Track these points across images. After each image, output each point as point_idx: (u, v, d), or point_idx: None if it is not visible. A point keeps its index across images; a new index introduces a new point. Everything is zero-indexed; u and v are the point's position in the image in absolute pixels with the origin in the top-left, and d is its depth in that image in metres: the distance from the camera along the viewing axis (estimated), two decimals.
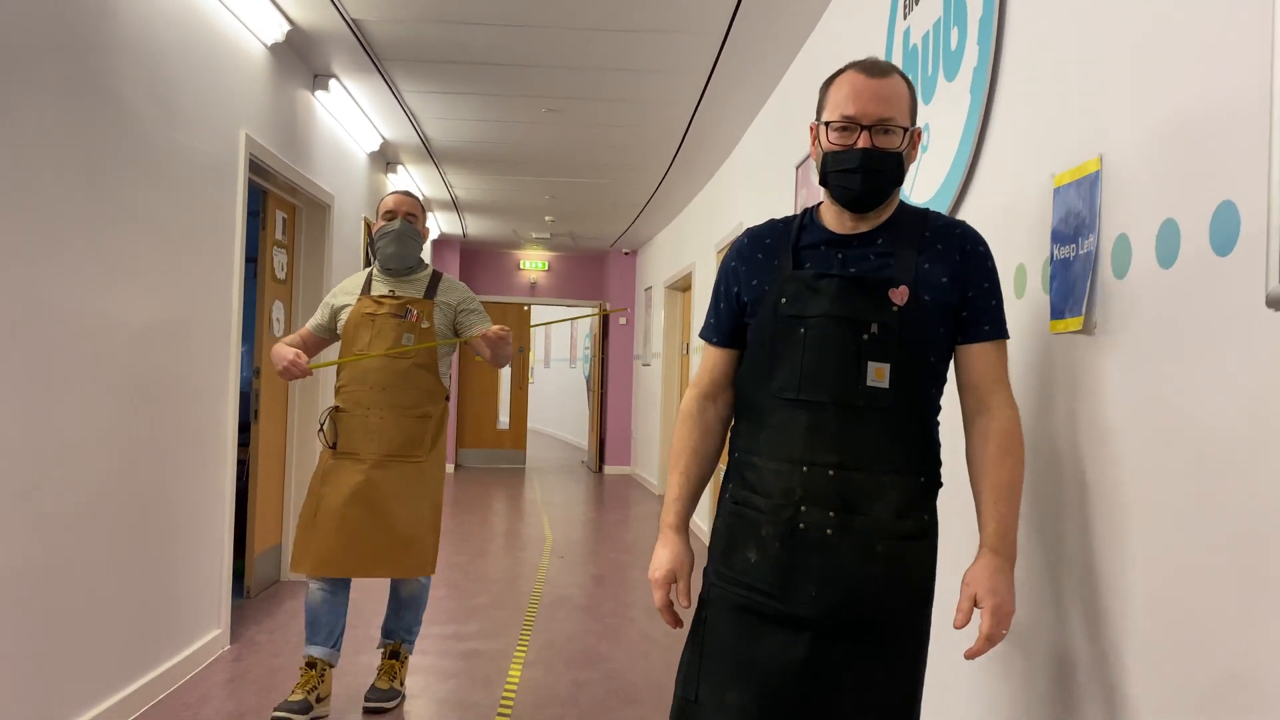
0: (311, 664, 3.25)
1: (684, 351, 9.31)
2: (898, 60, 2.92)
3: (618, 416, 11.89)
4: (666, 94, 5.36)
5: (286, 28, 4.39)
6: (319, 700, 3.22)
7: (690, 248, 8.36)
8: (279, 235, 5.16)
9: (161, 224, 3.43)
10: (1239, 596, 1.31)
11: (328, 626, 3.26)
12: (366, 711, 3.34)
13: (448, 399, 3.38)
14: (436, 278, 3.40)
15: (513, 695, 3.61)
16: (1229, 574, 1.33)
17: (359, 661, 3.91)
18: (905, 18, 2.85)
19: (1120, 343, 1.63)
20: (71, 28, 2.84)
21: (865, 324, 1.61)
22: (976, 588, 1.56)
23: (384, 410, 3.22)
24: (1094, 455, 1.70)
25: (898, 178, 1.66)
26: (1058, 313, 1.82)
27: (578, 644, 4.33)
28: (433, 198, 8.74)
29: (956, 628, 1.55)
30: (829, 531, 1.60)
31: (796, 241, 1.72)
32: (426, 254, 9.96)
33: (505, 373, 13.10)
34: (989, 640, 1.54)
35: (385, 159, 7.11)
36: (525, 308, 12.62)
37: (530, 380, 13.10)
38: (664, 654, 4.19)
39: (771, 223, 1.80)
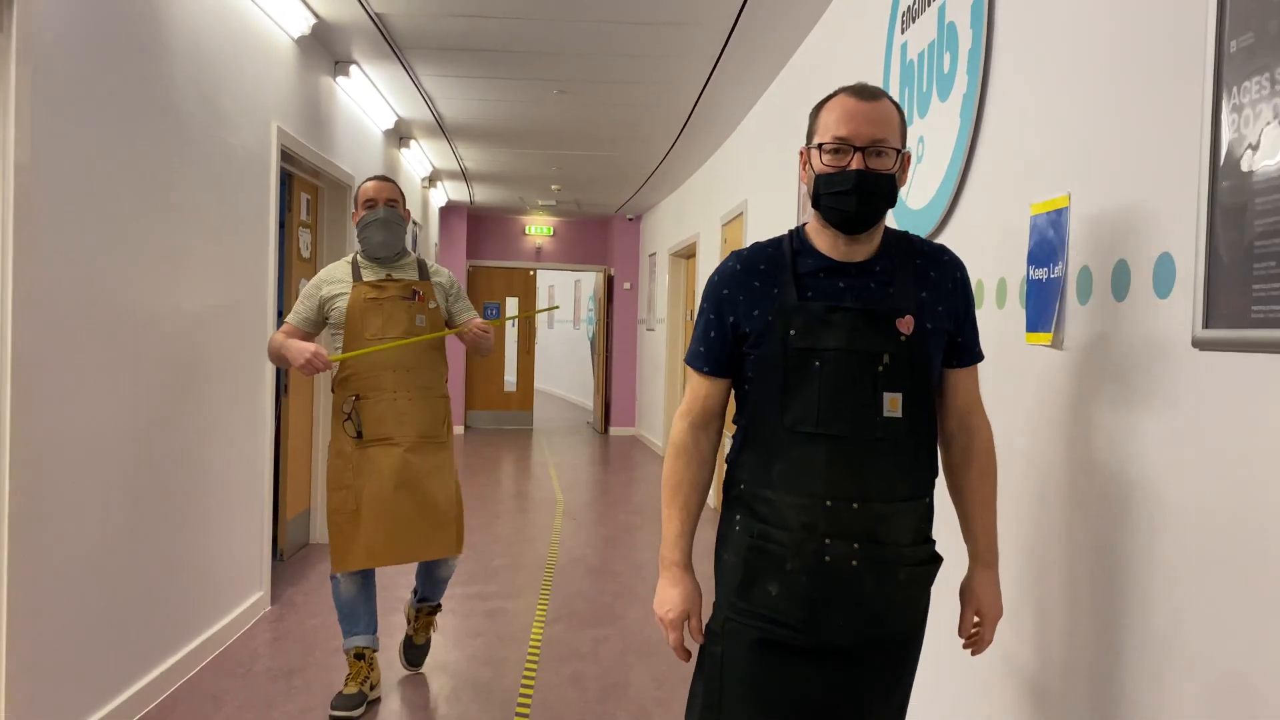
0: (359, 655, 3.29)
1: (688, 317, 9.56)
2: (895, 72, 3.15)
3: (623, 379, 12.17)
4: (674, 77, 5.56)
5: (312, 21, 4.59)
6: (371, 687, 3.32)
7: (694, 218, 8.57)
8: (303, 216, 5.39)
9: (207, 216, 3.68)
10: (1125, 580, 1.59)
11: (366, 615, 3.33)
12: (409, 668, 3.59)
13: (445, 377, 3.43)
14: (422, 262, 3.41)
15: (538, 650, 3.92)
16: (1129, 559, 1.61)
17: (391, 621, 4.22)
18: (903, 32, 3.08)
19: (1080, 359, 1.89)
20: (130, 43, 3.07)
21: (879, 355, 1.63)
22: (981, 604, 1.75)
23: (412, 392, 3.23)
24: (1049, 451, 1.97)
25: (890, 199, 1.68)
26: (1032, 326, 2.08)
27: (594, 603, 4.64)
28: (442, 168, 8.93)
29: (961, 636, 1.78)
30: (855, 563, 1.63)
31: (794, 268, 1.71)
32: (434, 222, 10.17)
33: (511, 336, 13.35)
34: (985, 645, 1.78)
35: (399, 135, 7.30)
36: (530, 272, 12.84)
37: (534, 342, 13.34)
38: None
39: (759, 248, 1.77)
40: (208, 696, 3.35)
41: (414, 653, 3.63)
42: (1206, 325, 1.44)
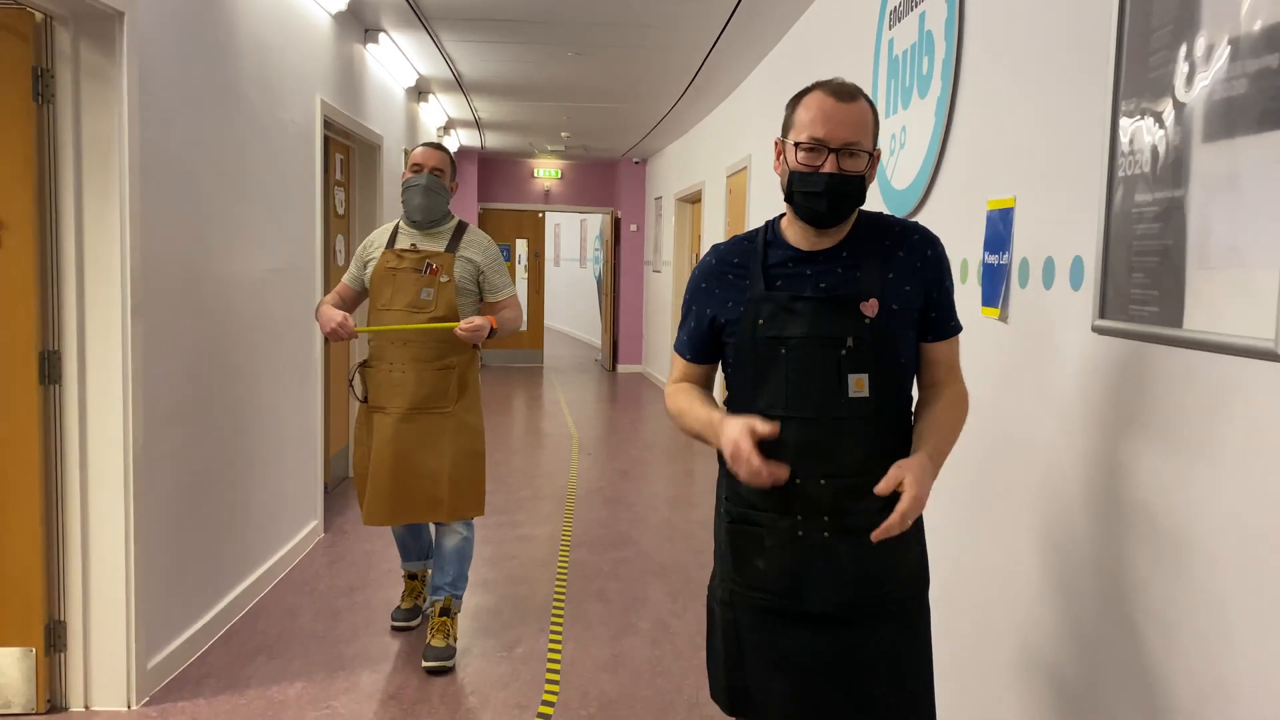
0: (412, 575, 3.76)
1: (693, 260, 9.96)
2: (884, 65, 3.54)
3: (630, 319, 12.62)
4: (682, 42, 5.90)
5: None
6: (425, 600, 3.75)
7: (701, 165, 8.92)
8: (337, 175, 5.80)
9: (268, 190, 4.10)
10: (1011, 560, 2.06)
11: (416, 547, 3.69)
12: (428, 672, 3.32)
13: (477, 347, 3.39)
14: (461, 229, 3.41)
15: (565, 571, 4.45)
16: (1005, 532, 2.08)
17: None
18: (890, 29, 3.46)
19: (1018, 333, 2.34)
20: (206, 43, 3.47)
21: (842, 339, 1.71)
22: (909, 472, 1.62)
23: (405, 364, 3.29)
24: (994, 411, 2.44)
25: (860, 198, 1.74)
26: (986, 301, 2.53)
27: (612, 529, 5.17)
28: (456, 118, 9.26)
29: (878, 493, 1.64)
30: (826, 535, 1.73)
31: (764, 259, 1.79)
32: None
33: (521, 277, 13.76)
34: (901, 518, 1.61)
35: (418, 90, 7.64)
36: (540, 214, 13.20)
37: (544, 283, 13.76)
38: (684, 538, 5.04)
39: (736, 240, 1.87)
40: (284, 610, 3.88)
41: (431, 652, 3.36)
42: (1101, 316, 1.89)
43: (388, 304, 3.30)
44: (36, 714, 2.93)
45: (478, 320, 3.24)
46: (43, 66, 2.83)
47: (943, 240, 1.86)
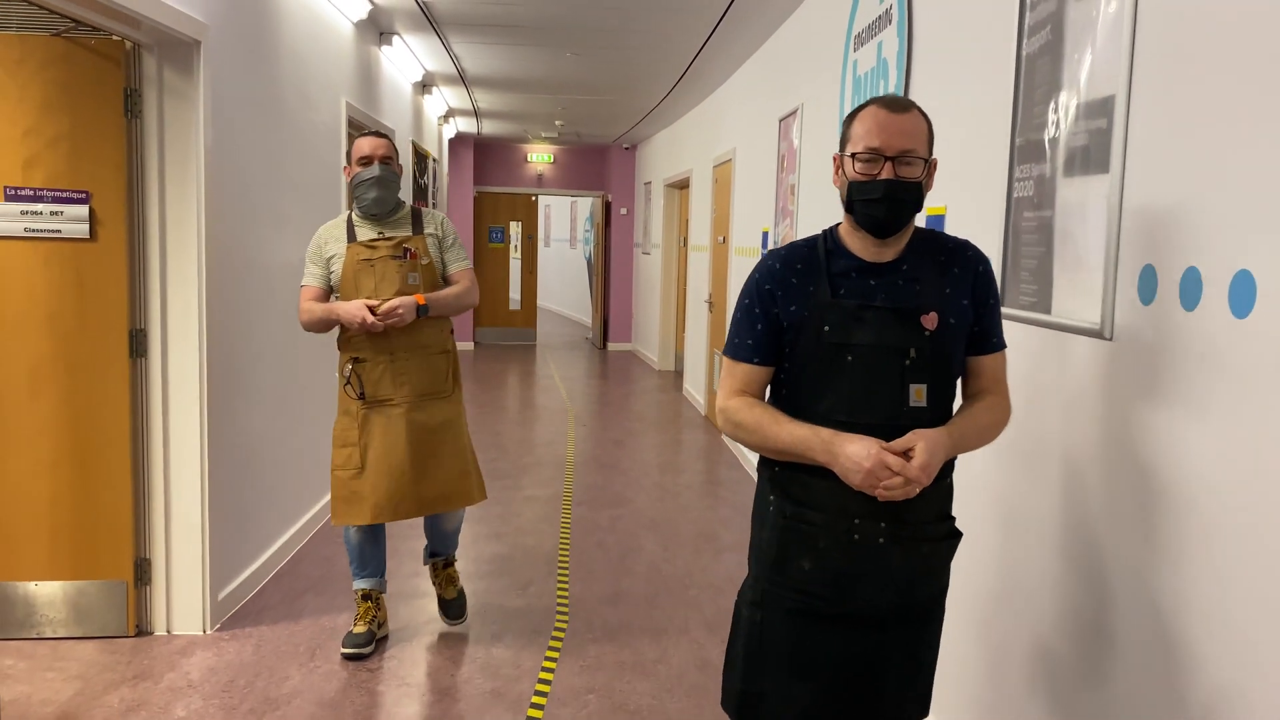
0: (366, 596, 3.44)
1: (680, 244, 10.49)
2: (849, 83, 4.07)
3: (620, 298, 13.14)
4: (673, 45, 6.40)
5: (369, 7, 5.42)
6: (379, 626, 3.48)
7: (688, 154, 9.43)
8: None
9: (303, 185, 4.61)
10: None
11: (374, 560, 3.44)
12: (452, 624, 3.61)
13: (452, 331, 3.41)
14: (417, 213, 3.36)
15: (569, 525, 5.01)
16: None
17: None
18: (855, 51, 3.99)
19: None
20: (257, 59, 3.97)
21: (905, 350, 1.75)
22: (923, 440, 1.68)
23: (409, 352, 3.23)
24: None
25: (918, 205, 1.78)
26: None
27: (609, 491, 5.73)
28: (456, 108, 9.72)
29: (891, 448, 1.69)
30: (881, 540, 1.77)
31: (828, 267, 1.82)
32: (444, 153, 10.98)
33: (514, 259, 14.25)
34: (904, 481, 1.67)
35: (423, 84, 8.11)
36: (533, 198, 13.68)
37: (536, 263, 14.25)
38: (674, 498, 5.60)
39: (796, 247, 1.89)
40: (322, 558, 4.42)
41: (450, 607, 3.61)
42: (1002, 304, 2.44)
43: (372, 294, 3.19)
44: (127, 637, 3.46)
45: (395, 301, 3.13)
46: (132, 87, 3.33)
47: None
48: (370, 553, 3.43)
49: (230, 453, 3.72)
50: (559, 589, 4.10)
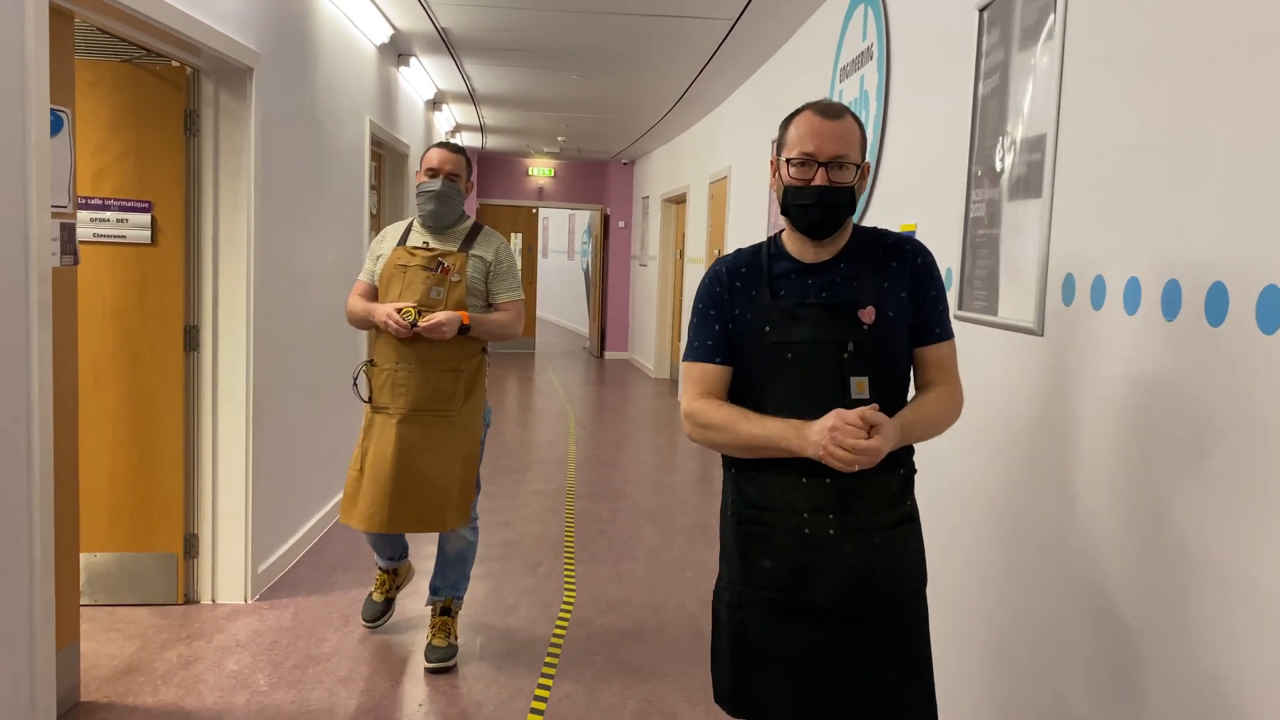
0: (385, 570, 3.67)
1: (677, 256, 10.89)
2: None
3: (617, 308, 13.54)
4: (673, 70, 6.81)
5: (390, 31, 5.82)
6: (398, 588, 3.73)
7: (685, 171, 9.84)
8: (372, 180, 6.68)
9: (332, 196, 5.00)
10: None
11: (390, 549, 3.59)
12: (429, 672, 3.33)
13: (485, 350, 3.32)
14: (476, 230, 3.36)
15: (573, 516, 5.38)
16: None
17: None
18: (841, 82, 4.39)
19: None
20: (298, 84, 4.36)
21: (843, 344, 1.80)
22: (877, 420, 1.69)
23: (411, 365, 3.19)
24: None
25: (850, 207, 1.83)
26: None
27: (608, 486, 6.11)
28: (463, 123, 10.12)
29: (847, 420, 1.69)
30: (831, 532, 1.80)
31: (769, 271, 1.88)
32: None
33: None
34: (844, 458, 1.67)
35: (434, 101, 8.51)
36: (533, 210, 14.08)
37: (536, 274, 14.63)
38: (670, 493, 5.98)
39: (741, 254, 1.96)
40: (347, 539, 4.78)
41: (433, 653, 3.38)
42: (959, 308, 2.83)
43: (397, 301, 3.22)
44: (176, 604, 3.82)
45: (440, 316, 3.12)
46: (191, 108, 3.71)
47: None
48: (385, 547, 3.55)
49: (270, 439, 4.09)
50: (565, 569, 4.47)
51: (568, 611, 3.95)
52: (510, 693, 3.22)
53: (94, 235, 3.67)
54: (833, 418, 1.70)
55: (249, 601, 3.89)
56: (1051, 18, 2.32)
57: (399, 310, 3.14)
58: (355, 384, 3.36)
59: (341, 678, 3.28)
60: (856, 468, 1.69)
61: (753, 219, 6.53)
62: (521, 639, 3.66)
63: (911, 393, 1.94)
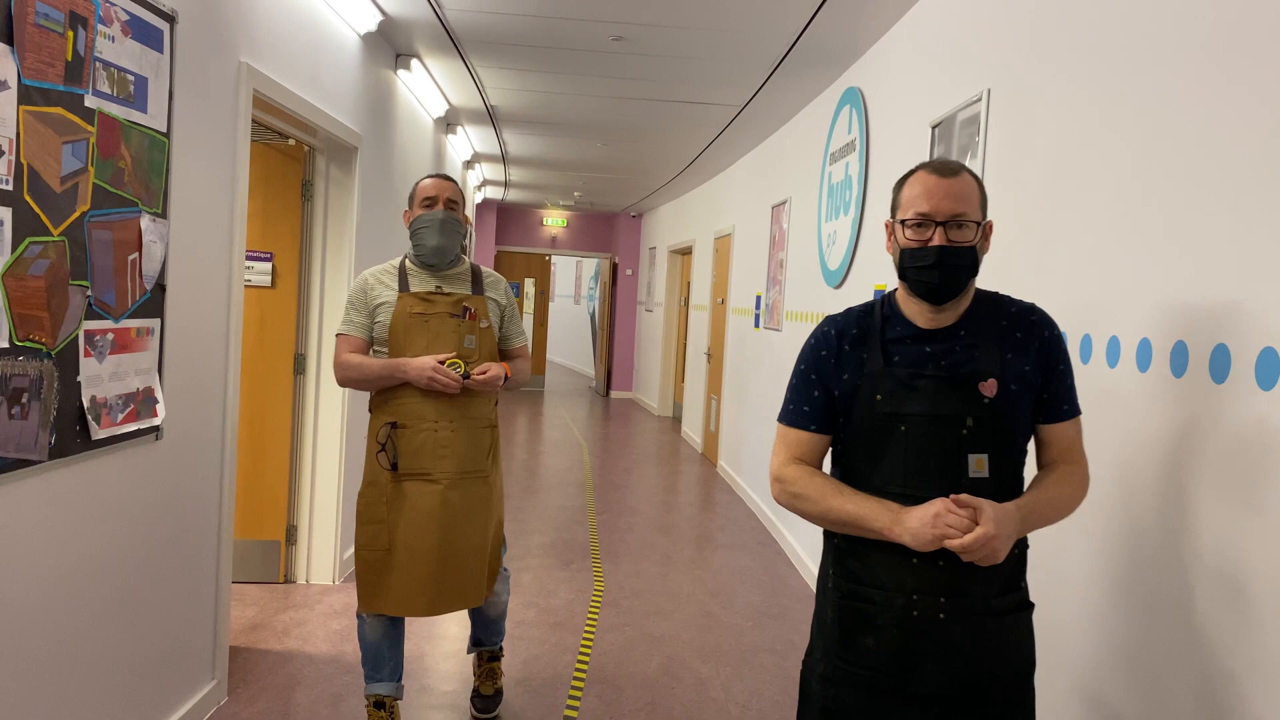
0: (380, 704, 3.01)
1: (682, 303, 11.81)
2: (825, 189, 5.40)
3: (623, 350, 14.44)
4: (687, 140, 7.78)
5: (446, 106, 6.77)
6: None
7: (691, 226, 10.79)
8: None
9: (403, 246, 5.90)
10: None
11: (391, 662, 3.02)
12: (479, 716, 3.32)
13: (496, 401, 3.11)
14: (477, 270, 3.08)
15: (595, 527, 6.22)
16: None
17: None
18: (830, 165, 5.33)
19: None
20: (383, 154, 5.28)
21: (962, 419, 1.69)
22: (988, 507, 1.60)
23: (455, 422, 2.89)
24: None
25: (973, 269, 1.73)
26: None
27: (624, 504, 6.95)
28: (490, 179, 11.08)
29: (952, 507, 1.62)
30: (941, 616, 1.69)
31: (882, 334, 1.77)
32: (472, 214, 12.33)
33: (529, 313, 15.55)
34: (961, 546, 1.60)
35: (470, 161, 9.47)
36: (546, 257, 15.04)
37: (548, 315, 15.56)
38: (678, 511, 6.83)
39: (852, 313, 1.85)
40: None
41: (482, 702, 3.33)
42: None
43: (424, 354, 2.88)
44: (279, 583, 4.65)
45: (494, 369, 2.89)
46: (307, 179, 4.62)
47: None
48: (388, 654, 3.01)
49: (358, 448, 4.94)
50: (593, 566, 5.30)
51: (599, 596, 4.78)
52: (560, 649, 4.04)
53: None
54: (938, 504, 1.64)
55: (336, 583, 4.72)
56: (978, 138, 3.23)
57: (444, 363, 2.85)
58: (382, 449, 2.90)
59: (412, 655, 4.11)
60: (982, 562, 1.63)
61: (754, 272, 7.43)
62: (563, 615, 4.49)
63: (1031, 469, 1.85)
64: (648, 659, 3.99)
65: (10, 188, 2.09)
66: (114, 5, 2.45)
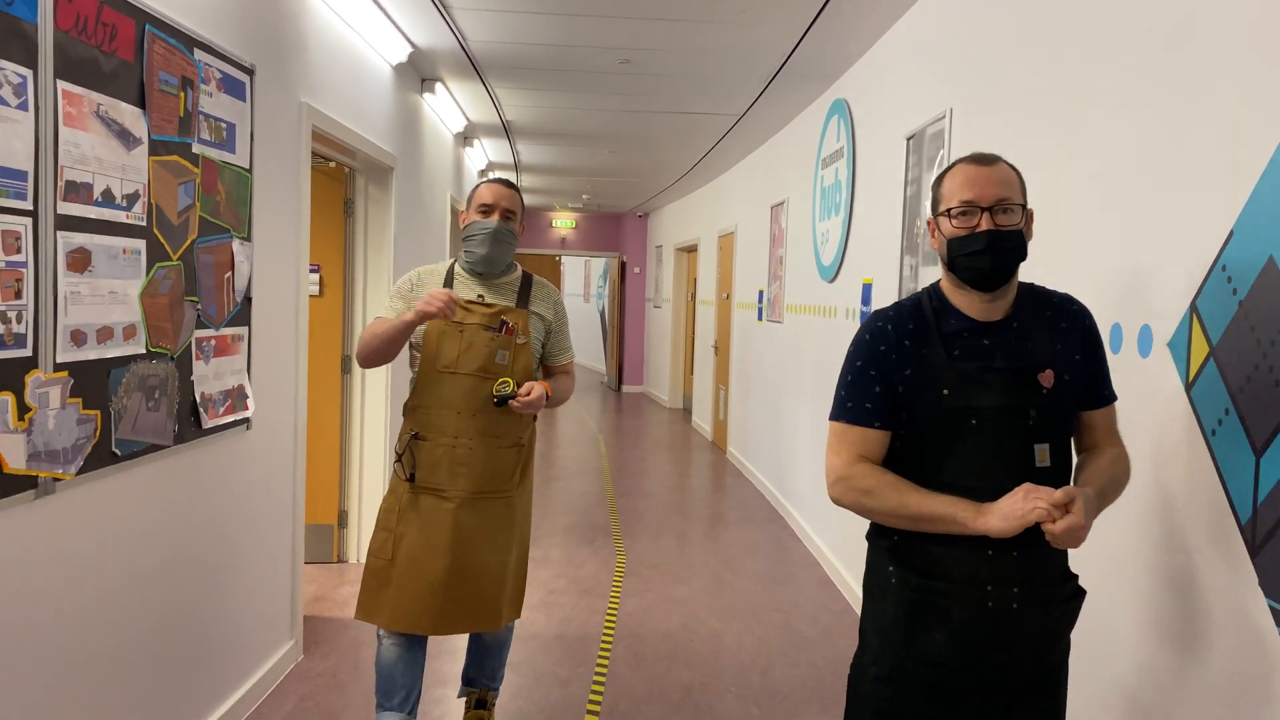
0: None
1: (689, 299, 12.30)
2: (818, 191, 5.88)
3: (633, 346, 14.94)
4: (691, 146, 8.26)
5: (465, 122, 7.27)
6: None
7: (696, 225, 11.27)
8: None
9: (432, 255, 6.40)
10: None
11: (405, 689, 2.87)
12: None
13: (535, 418, 2.96)
14: (528, 281, 2.96)
15: (614, 505, 6.72)
16: None
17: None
18: (822, 169, 5.81)
19: None
20: (415, 173, 5.79)
21: (1026, 411, 1.73)
22: (1081, 498, 1.63)
23: (474, 440, 2.80)
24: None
25: (1021, 253, 1.75)
26: None
27: (640, 487, 7.45)
28: (501, 169, 11.57)
29: (1053, 503, 1.62)
30: (1015, 605, 1.73)
31: (939, 328, 1.77)
32: None
33: None
34: (1052, 536, 1.63)
35: (465, 135, 9.94)
36: (556, 258, 15.54)
37: None
38: (691, 494, 7.33)
39: (903, 307, 1.84)
40: None
41: None
42: None
43: (452, 365, 2.81)
44: (333, 563, 5.15)
45: (537, 389, 2.75)
46: (349, 197, 5.12)
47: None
48: (401, 680, 2.86)
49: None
50: (615, 543, 5.80)
51: (621, 567, 5.28)
52: (590, 611, 4.55)
53: None
54: (1023, 491, 1.66)
55: None
56: (941, 152, 3.72)
57: (495, 384, 2.77)
58: (400, 460, 2.86)
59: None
60: (1068, 546, 1.66)
61: (756, 269, 7.91)
62: (590, 583, 4.99)
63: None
64: (668, 618, 4.49)
65: (144, 224, 2.59)
66: (210, 66, 2.95)
